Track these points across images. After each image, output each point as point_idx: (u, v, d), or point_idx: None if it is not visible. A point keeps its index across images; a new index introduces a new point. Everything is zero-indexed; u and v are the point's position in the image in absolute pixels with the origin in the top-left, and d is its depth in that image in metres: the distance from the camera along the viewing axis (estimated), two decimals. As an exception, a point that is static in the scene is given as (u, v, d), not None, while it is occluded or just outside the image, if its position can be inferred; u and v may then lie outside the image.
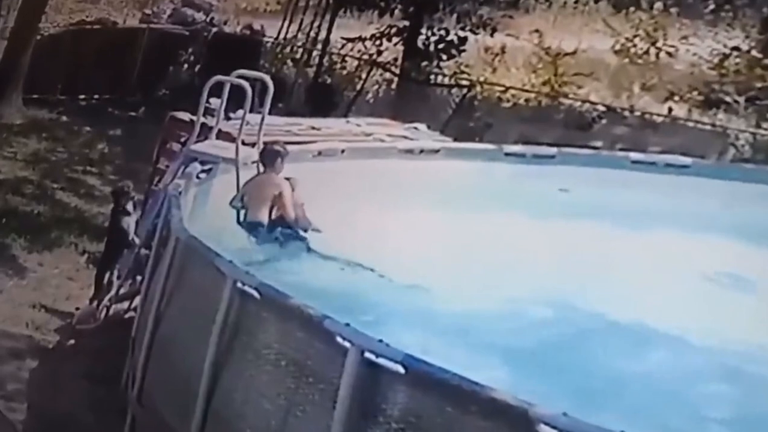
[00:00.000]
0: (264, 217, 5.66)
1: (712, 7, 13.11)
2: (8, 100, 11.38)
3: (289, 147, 5.90)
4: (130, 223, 6.22)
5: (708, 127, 11.39)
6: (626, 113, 12.22)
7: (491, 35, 13.62)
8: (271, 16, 15.06)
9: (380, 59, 13.63)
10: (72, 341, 5.92)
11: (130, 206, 6.26)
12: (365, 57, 13.62)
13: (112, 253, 6.31)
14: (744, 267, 5.60)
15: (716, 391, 4.23)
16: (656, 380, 4.27)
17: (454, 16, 13.42)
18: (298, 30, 14.17)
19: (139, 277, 5.85)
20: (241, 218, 5.74)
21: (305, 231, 5.61)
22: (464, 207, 6.06)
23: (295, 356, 3.72)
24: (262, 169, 5.79)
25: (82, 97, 12.59)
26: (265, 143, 5.93)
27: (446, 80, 13.21)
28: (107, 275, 6.25)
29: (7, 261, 7.03)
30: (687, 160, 7.34)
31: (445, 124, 10.48)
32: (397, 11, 13.66)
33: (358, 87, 13.11)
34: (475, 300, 4.87)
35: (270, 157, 5.74)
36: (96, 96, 12.72)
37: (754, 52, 12.72)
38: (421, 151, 6.96)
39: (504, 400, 3.02)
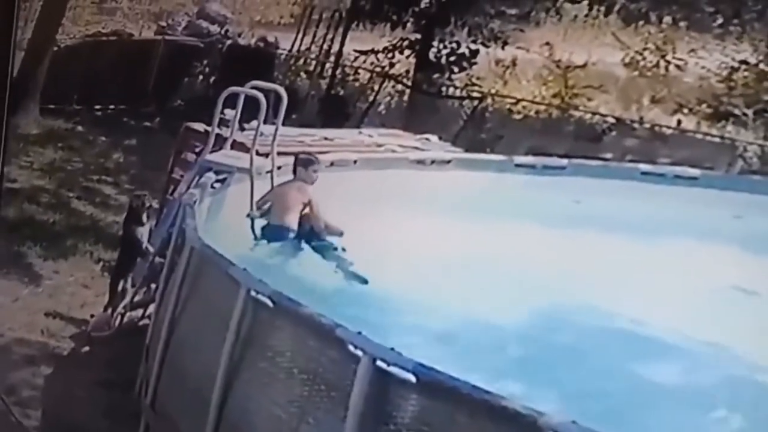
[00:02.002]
0: (292, 223, 5.71)
1: (720, 21, 13.14)
2: (25, 110, 11.51)
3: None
4: (143, 232, 6.29)
5: (717, 140, 11.39)
6: (636, 125, 12.24)
7: (502, 48, 13.68)
8: (285, 29, 15.19)
9: (392, 71, 13.71)
10: (86, 348, 5.95)
11: (145, 216, 6.34)
12: (378, 69, 13.71)
13: (126, 261, 6.38)
14: (752, 279, 5.61)
15: (725, 404, 4.23)
16: (666, 391, 4.28)
17: (466, 29, 13.49)
18: (312, 42, 14.29)
19: (153, 285, 5.91)
20: (261, 225, 5.79)
21: (340, 235, 5.65)
22: (475, 217, 6.09)
23: (307, 364, 3.75)
24: (291, 176, 5.84)
25: (97, 107, 12.70)
26: (298, 153, 5.98)
27: (457, 92, 13.26)
28: (121, 283, 6.31)
29: (23, 269, 7.10)
30: (696, 172, 7.35)
31: (457, 136, 10.53)
32: (409, 24, 13.74)
33: (371, 99, 13.18)
34: (485, 309, 4.89)
35: (302, 164, 5.78)
36: (112, 106, 12.84)
37: (762, 66, 12.72)
38: (433, 162, 7.00)
39: (514, 409, 3.04)
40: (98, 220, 8.50)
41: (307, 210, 5.71)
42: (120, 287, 6.27)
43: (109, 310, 6.22)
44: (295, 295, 3.87)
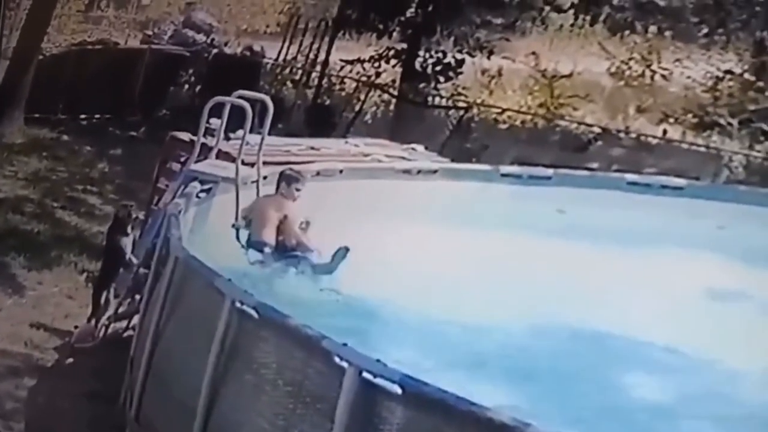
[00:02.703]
0: (269, 238, 5.71)
1: (705, 30, 13.28)
2: (10, 119, 11.42)
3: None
4: (127, 242, 6.25)
5: (702, 149, 11.49)
6: (621, 135, 12.33)
7: (488, 58, 13.75)
8: (271, 38, 15.19)
9: (378, 81, 13.74)
10: (70, 360, 5.90)
11: (130, 227, 6.30)
12: (364, 79, 13.74)
13: (109, 271, 6.33)
14: (737, 287, 5.64)
15: (716, 409, 4.24)
16: (652, 398, 4.29)
17: (452, 38, 13.56)
18: (298, 52, 14.30)
19: (137, 296, 5.87)
20: (244, 237, 5.78)
21: (311, 252, 5.66)
22: (461, 227, 6.11)
23: (293, 376, 3.74)
24: (269, 191, 5.84)
25: (83, 116, 12.61)
26: (284, 168, 5.97)
27: (444, 102, 13.31)
28: (104, 294, 6.27)
29: (7, 279, 7.02)
30: (682, 182, 7.41)
31: (443, 145, 10.55)
32: (395, 34, 13.79)
33: (357, 108, 13.20)
34: (470, 319, 4.89)
35: (286, 180, 5.80)
36: (97, 115, 12.74)
37: (747, 75, 12.86)
38: (419, 172, 7.01)
39: (500, 420, 3.04)
40: (83, 230, 8.43)
41: (282, 224, 5.71)
42: (103, 298, 6.23)
43: (93, 321, 6.17)
44: (279, 307, 3.85)
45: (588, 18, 14.14)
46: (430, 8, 13.37)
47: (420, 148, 7.97)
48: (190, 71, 13.55)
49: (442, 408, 3.19)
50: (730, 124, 12.03)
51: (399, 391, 3.31)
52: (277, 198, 5.82)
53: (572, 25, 14.46)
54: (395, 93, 13.50)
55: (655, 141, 12.01)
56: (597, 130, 12.28)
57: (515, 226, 6.25)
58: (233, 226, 5.82)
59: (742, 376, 4.53)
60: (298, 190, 5.81)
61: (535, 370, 4.48)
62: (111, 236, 6.37)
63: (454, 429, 3.18)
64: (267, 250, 5.68)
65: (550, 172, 7.38)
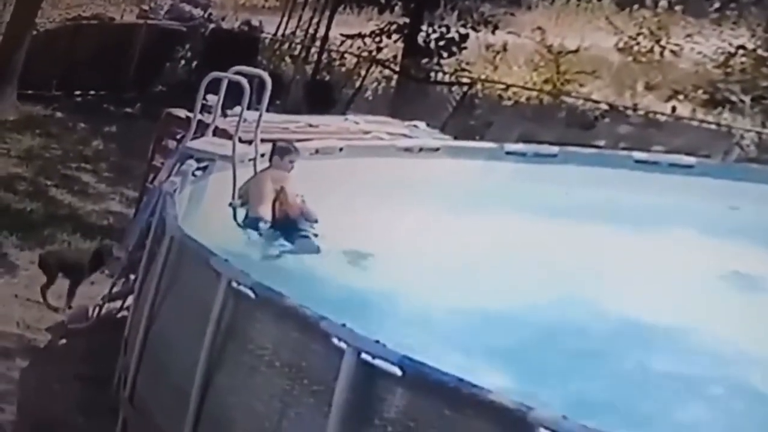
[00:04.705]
0: (266, 213, 5.58)
1: (717, 5, 13.07)
2: (2, 96, 11.28)
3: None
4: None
5: (713, 127, 11.32)
6: (629, 112, 12.15)
7: (493, 33, 13.55)
8: (270, 12, 14.99)
9: (380, 56, 13.55)
10: (63, 341, 5.82)
11: (104, 266, 6.20)
12: (364, 54, 13.54)
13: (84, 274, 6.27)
14: (751, 266, 5.52)
15: (725, 394, 4.14)
16: (664, 381, 4.19)
17: (456, 13, 13.36)
18: (297, 26, 14.09)
19: (132, 276, 5.75)
20: (241, 216, 5.66)
21: (315, 221, 5.53)
22: (464, 206, 6.00)
23: (290, 357, 3.65)
24: (267, 164, 5.71)
25: (77, 93, 12.46)
26: (276, 141, 5.87)
27: (447, 78, 13.13)
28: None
29: (-1, 259, 6.95)
30: (691, 160, 7.27)
31: (445, 123, 10.39)
32: (397, 8, 13.60)
33: (357, 84, 13.02)
34: (474, 300, 4.78)
35: (278, 153, 5.68)
36: (92, 92, 12.60)
37: (759, 51, 12.67)
38: (421, 150, 6.88)
39: (503, 403, 2.95)
40: (77, 208, 8.32)
41: (280, 196, 5.58)
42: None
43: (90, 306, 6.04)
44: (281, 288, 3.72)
45: (596, -8, 13.91)
46: (433, -19, 13.15)
47: (422, 125, 7.84)
48: (187, 46, 13.36)
49: (442, 390, 3.10)
50: (742, 101, 11.85)
51: (399, 372, 3.20)
52: (270, 171, 5.69)
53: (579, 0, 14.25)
54: (397, 69, 13.31)
55: (664, 118, 11.84)
56: (604, 107, 12.10)
57: (519, 205, 6.13)
58: (230, 204, 5.68)
59: (758, 360, 4.41)
60: (291, 162, 5.69)
61: (543, 351, 4.37)
62: (91, 264, 6.26)
63: (455, 411, 3.09)
64: (263, 225, 5.56)
65: (555, 149, 7.24)
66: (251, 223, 5.62)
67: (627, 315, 4.76)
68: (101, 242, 6.81)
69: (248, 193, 5.70)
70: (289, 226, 5.59)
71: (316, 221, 5.60)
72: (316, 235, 5.55)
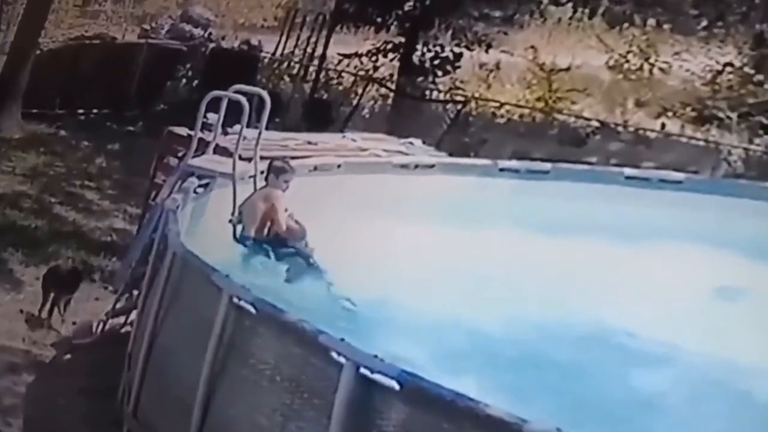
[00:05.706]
0: (253, 232, 5.67)
1: (704, 23, 13.26)
2: (7, 115, 11.38)
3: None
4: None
5: (701, 143, 11.48)
6: (620, 129, 12.31)
7: (486, 51, 13.73)
8: (269, 32, 15.15)
9: (376, 75, 13.72)
10: (68, 356, 5.90)
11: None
12: (361, 73, 13.72)
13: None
14: (740, 280, 5.62)
15: (715, 404, 4.23)
16: (651, 395, 4.28)
17: (450, 32, 13.54)
18: (295, 46, 14.27)
19: (135, 292, 5.85)
20: (238, 233, 5.77)
21: (303, 239, 5.62)
22: (459, 222, 6.08)
23: (290, 371, 3.73)
24: (263, 183, 5.81)
25: (80, 111, 12.57)
26: (273, 159, 5.96)
27: (441, 96, 13.30)
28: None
29: (4, 275, 6.99)
30: (680, 176, 7.38)
31: (440, 140, 10.53)
32: (393, 27, 13.77)
33: (354, 102, 13.18)
34: (469, 315, 4.87)
35: (274, 172, 5.76)
36: (95, 110, 12.71)
37: (746, 69, 12.84)
38: (416, 166, 6.98)
39: (498, 417, 3.02)
40: (81, 225, 8.41)
41: (271, 214, 5.68)
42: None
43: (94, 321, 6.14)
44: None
45: (586, 11, 14.14)
46: (427, 1, 13.34)
47: (417, 142, 7.94)
48: (188, 66, 13.52)
49: (439, 404, 3.18)
50: (729, 117, 12.01)
51: (397, 386, 3.29)
52: (265, 190, 5.79)
53: (570, 19, 14.45)
54: (393, 87, 13.47)
55: (653, 135, 11.99)
56: (595, 124, 12.27)
57: (513, 221, 6.22)
58: (230, 221, 5.80)
59: (747, 372, 4.51)
60: (286, 181, 5.76)
61: (533, 365, 4.47)
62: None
63: (452, 425, 3.17)
64: (248, 243, 5.64)
65: (548, 166, 7.35)
66: (243, 240, 5.73)
67: (618, 328, 4.86)
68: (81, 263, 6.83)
69: (244, 211, 5.80)
70: (279, 244, 5.69)
71: (303, 238, 5.66)
72: (309, 257, 5.62)
